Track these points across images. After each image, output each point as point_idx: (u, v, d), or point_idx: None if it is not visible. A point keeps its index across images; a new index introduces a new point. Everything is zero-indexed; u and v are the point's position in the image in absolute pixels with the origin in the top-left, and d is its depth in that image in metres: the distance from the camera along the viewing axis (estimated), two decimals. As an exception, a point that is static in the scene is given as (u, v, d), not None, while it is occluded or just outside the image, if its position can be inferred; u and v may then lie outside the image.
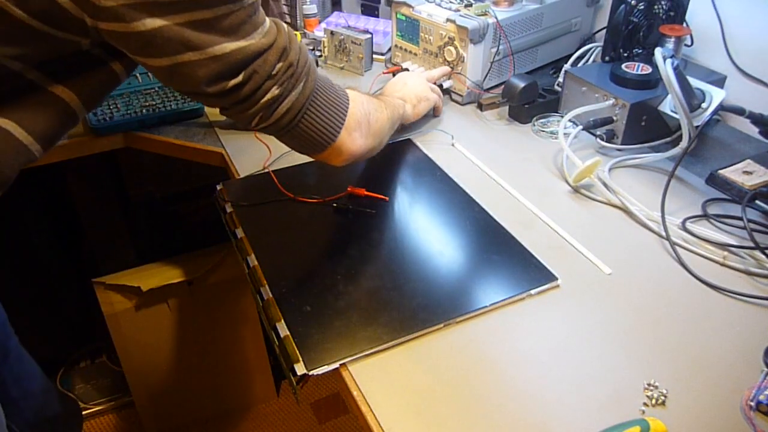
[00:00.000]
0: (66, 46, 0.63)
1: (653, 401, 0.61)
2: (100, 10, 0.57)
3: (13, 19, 0.58)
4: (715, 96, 0.95)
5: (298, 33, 1.19)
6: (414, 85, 1.05)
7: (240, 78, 0.64)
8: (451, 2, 1.19)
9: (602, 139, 1.03)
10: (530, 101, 1.11)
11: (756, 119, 0.95)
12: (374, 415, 0.60)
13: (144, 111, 1.15)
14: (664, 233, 0.83)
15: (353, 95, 0.79)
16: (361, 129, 0.78)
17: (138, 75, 1.22)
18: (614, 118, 1.02)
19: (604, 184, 0.93)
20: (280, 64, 0.66)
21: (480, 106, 1.17)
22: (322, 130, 0.73)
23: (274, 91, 0.66)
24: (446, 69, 1.17)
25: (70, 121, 0.73)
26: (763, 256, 0.78)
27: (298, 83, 0.69)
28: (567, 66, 1.22)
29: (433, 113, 1.13)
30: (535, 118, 1.12)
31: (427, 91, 1.06)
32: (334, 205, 0.89)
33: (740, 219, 0.82)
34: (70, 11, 0.58)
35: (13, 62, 0.63)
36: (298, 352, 0.66)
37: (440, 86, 1.17)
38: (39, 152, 0.71)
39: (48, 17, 0.59)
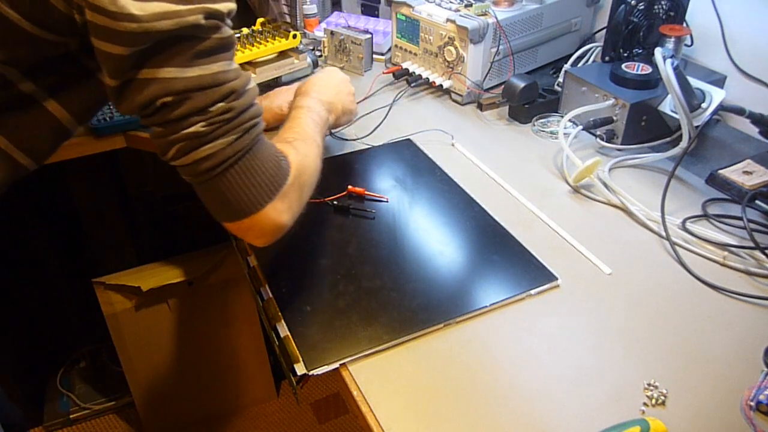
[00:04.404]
0: (55, 49, 0.63)
1: (653, 401, 0.61)
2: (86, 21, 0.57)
3: (7, 21, 0.58)
4: (715, 96, 0.95)
5: (298, 33, 1.19)
6: (344, 95, 0.97)
7: (170, 98, 0.58)
8: (451, 2, 1.19)
9: (602, 139, 1.03)
10: (530, 101, 1.11)
11: (756, 119, 0.95)
12: (374, 415, 0.60)
13: (144, 111, 1.14)
14: (664, 233, 0.83)
15: (297, 164, 0.69)
16: (291, 207, 0.69)
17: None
18: (614, 118, 1.02)
19: (604, 184, 0.93)
20: (220, 105, 0.60)
21: (480, 106, 1.17)
22: (243, 197, 0.64)
23: (200, 127, 0.60)
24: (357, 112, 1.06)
25: (64, 136, 0.73)
26: (763, 256, 0.78)
27: (230, 133, 0.62)
28: (567, 66, 1.22)
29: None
30: (535, 118, 1.12)
31: (353, 104, 1.00)
32: (334, 205, 0.89)
33: (740, 219, 0.82)
34: (62, 10, 0.58)
35: (6, 68, 0.63)
36: (298, 352, 0.66)
37: None
38: (31, 166, 0.71)
39: (39, 18, 0.59)
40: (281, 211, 0.67)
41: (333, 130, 1.07)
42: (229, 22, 0.61)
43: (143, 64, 0.57)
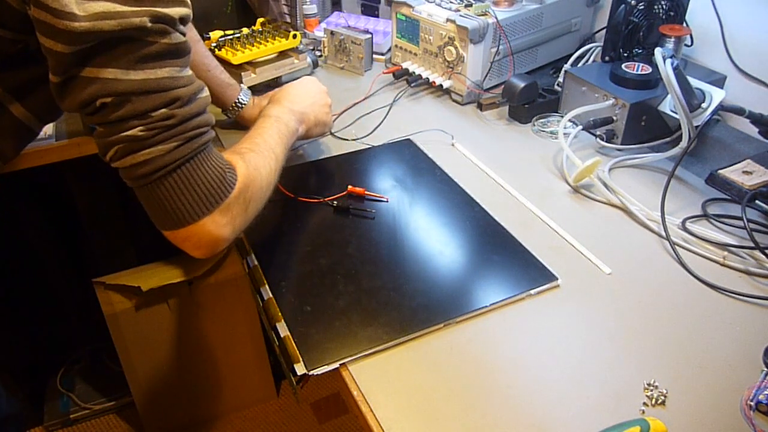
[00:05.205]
0: (13, 46, 0.63)
1: (653, 401, 0.62)
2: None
3: None
4: (715, 96, 0.95)
5: (298, 33, 1.19)
6: (317, 106, 0.94)
7: (111, 99, 0.58)
8: (451, 2, 1.19)
9: (602, 139, 1.03)
10: (530, 101, 1.11)
11: (756, 119, 0.95)
12: (374, 415, 0.60)
13: (144, 111, 1.14)
14: (664, 233, 0.83)
15: (243, 177, 0.68)
16: (233, 221, 0.67)
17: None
18: (614, 118, 1.02)
19: (604, 184, 0.93)
20: (163, 110, 0.59)
21: (480, 106, 1.17)
22: (180, 206, 0.63)
23: (139, 131, 0.59)
24: (332, 125, 1.06)
25: (29, 136, 0.74)
26: (763, 256, 0.78)
27: (170, 140, 0.60)
28: (567, 66, 1.22)
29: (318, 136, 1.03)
30: (535, 118, 1.12)
31: (328, 116, 0.97)
32: (334, 205, 0.89)
33: (740, 219, 0.82)
34: (14, 5, 0.58)
35: None
36: (298, 352, 0.66)
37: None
38: None
39: None
40: (221, 225, 0.65)
41: (304, 141, 1.04)
42: (181, 28, 0.60)
43: (86, 62, 0.56)
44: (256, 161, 0.72)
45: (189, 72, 0.62)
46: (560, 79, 1.19)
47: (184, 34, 0.61)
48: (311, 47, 1.37)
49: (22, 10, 0.58)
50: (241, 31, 1.18)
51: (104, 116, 0.59)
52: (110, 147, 0.61)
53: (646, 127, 1.02)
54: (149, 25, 0.56)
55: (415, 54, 1.26)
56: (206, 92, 0.64)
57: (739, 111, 0.94)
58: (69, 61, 0.56)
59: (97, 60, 0.56)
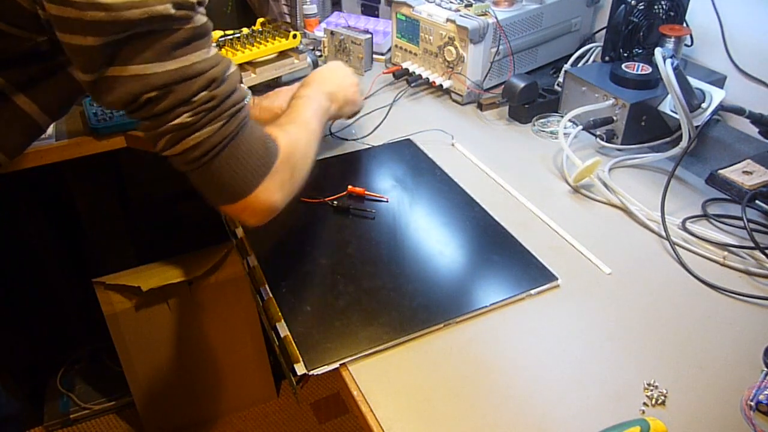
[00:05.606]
0: (23, 44, 0.64)
1: (653, 401, 0.61)
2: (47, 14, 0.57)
3: None
4: (715, 96, 0.95)
5: (298, 33, 1.19)
6: (345, 85, 0.97)
7: (155, 93, 0.60)
8: (451, 2, 1.19)
9: (602, 139, 1.03)
10: (530, 101, 1.11)
11: (756, 119, 0.95)
12: (374, 415, 0.60)
13: (144, 111, 1.14)
14: (664, 233, 0.83)
15: (285, 146, 0.71)
16: (282, 187, 0.70)
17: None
18: (614, 118, 1.02)
19: (604, 184, 0.93)
20: (203, 94, 0.62)
21: (480, 106, 1.17)
22: (235, 180, 0.66)
23: (186, 117, 0.61)
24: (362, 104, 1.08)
25: (35, 132, 0.74)
26: (763, 256, 0.78)
27: (216, 121, 0.63)
28: (567, 66, 1.22)
29: (349, 116, 1.06)
30: (535, 118, 1.12)
31: (356, 94, 1.00)
32: (334, 205, 0.89)
33: (740, 219, 0.82)
34: (24, 5, 0.58)
35: None
36: (298, 352, 0.66)
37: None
38: (4, 161, 0.72)
39: (2, 14, 0.60)
40: (272, 192, 0.69)
41: (336, 130, 1.06)
42: (201, 9, 0.61)
43: (118, 59, 0.57)
44: (294, 131, 0.76)
45: (215, 50, 0.64)
46: (560, 79, 1.19)
47: (204, 15, 0.62)
48: (311, 47, 1.37)
49: (32, 9, 0.58)
50: (241, 31, 1.18)
51: (150, 110, 0.61)
52: (160, 138, 0.63)
53: (646, 127, 1.02)
54: (173, 11, 0.57)
55: (415, 54, 1.26)
56: (234, 66, 0.66)
57: (739, 111, 0.94)
58: (99, 57, 0.57)
59: (129, 55, 0.57)
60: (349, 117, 1.06)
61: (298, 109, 0.83)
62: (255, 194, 0.67)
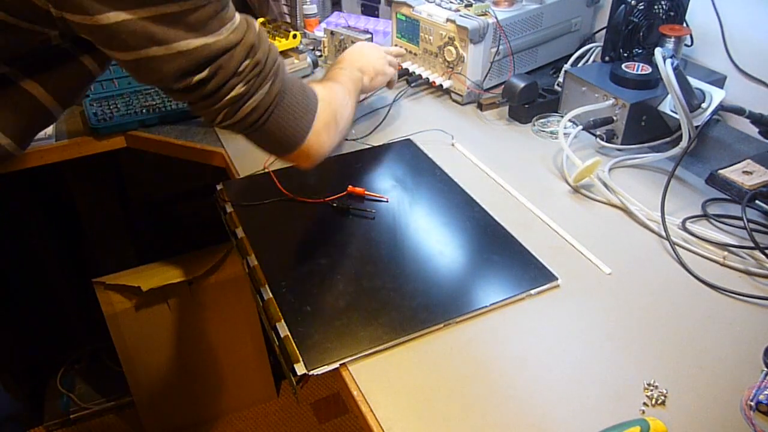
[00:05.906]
0: (35, 38, 0.64)
1: (653, 401, 0.61)
2: (63, 1, 0.58)
3: None
4: (715, 96, 0.95)
5: (298, 33, 1.19)
6: (373, 58, 1.03)
7: (205, 73, 0.62)
8: (451, 2, 1.19)
9: (602, 139, 1.03)
10: (530, 101, 1.11)
11: (756, 119, 0.95)
12: (374, 415, 0.60)
13: (144, 111, 1.15)
14: (664, 233, 0.83)
15: (323, 94, 0.77)
16: (329, 130, 0.77)
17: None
18: (614, 118, 1.02)
19: (604, 184, 0.93)
20: (247, 62, 0.65)
21: (480, 106, 1.17)
22: (290, 132, 0.72)
23: (240, 88, 0.65)
24: (401, 50, 1.19)
25: (43, 118, 0.74)
26: (763, 256, 0.78)
27: (265, 83, 0.67)
28: (567, 66, 1.22)
29: (387, 86, 1.12)
30: (535, 118, 1.12)
31: (385, 65, 1.06)
32: (334, 205, 0.89)
33: (740, 219, 0.82)
34: (36, 2, 0.59)
35: None
36: (298, 352, 0.66)
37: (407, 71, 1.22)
38: (12, 148, 0.72)
39: (16, 9, 0.60)
40: (321, 136, 0.76)
41: (372, 93, 1.14)
42: None
43: (157, 36, 0.59)
44: (330, 84, 0.84)
45: (239, 17, 0.66)
46: (560, 79, 1.19)
47: None
48: (311, 47, 1.37)
49: (44, 7, 0.59)
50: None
51: (203, 90, 0.64)
52: (218, 113, 0.67)
53: (646, 127, 1.02)
54: None
55: (415, 54, 1.26)
56: (258, 24, 0.68)
57: (739, 111, 0.94)
58: (135, 33, 0.58)
59: (167, 34, 0.59)
60: (387, 86, 1.12)
61: (332, 74, 0.91)
62: (308, 141, 0.74)
